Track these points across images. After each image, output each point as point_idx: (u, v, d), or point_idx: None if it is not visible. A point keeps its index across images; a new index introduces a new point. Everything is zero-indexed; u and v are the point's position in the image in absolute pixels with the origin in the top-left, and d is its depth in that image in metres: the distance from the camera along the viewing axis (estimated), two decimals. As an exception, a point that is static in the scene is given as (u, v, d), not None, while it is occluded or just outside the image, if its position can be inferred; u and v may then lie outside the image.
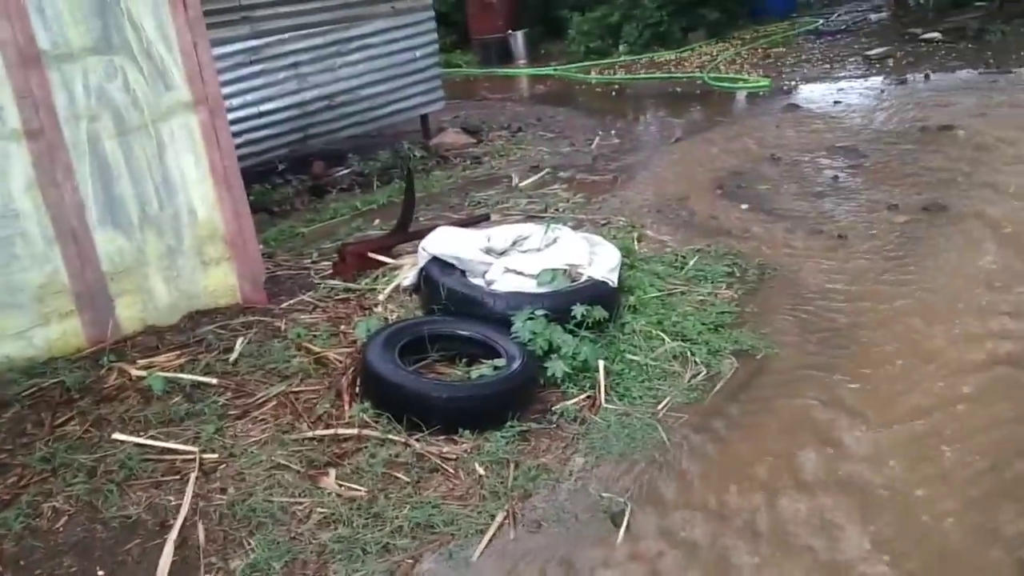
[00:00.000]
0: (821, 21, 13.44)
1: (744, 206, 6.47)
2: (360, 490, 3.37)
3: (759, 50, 12.25)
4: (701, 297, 4.99)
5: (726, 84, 10.60)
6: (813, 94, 9.60)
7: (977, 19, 11.32)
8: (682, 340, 4.46)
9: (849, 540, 3.00)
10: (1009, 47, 9.98)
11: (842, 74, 10.32)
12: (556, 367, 3.96)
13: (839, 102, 9.00)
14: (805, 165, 7.26)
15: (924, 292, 4.81)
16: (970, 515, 3.06)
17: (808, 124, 8.37)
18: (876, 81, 9.74)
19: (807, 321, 4.66)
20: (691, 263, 5.42)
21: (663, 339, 4.46)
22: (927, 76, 9.49)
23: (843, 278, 5.13)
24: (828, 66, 10.83)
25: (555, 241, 5.00)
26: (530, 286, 4.51)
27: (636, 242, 5.82)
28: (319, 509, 3.26)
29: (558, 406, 3.87)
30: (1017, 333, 4.26)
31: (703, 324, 4.61)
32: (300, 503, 3.29)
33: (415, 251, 5.05)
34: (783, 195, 6.64)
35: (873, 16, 13.01)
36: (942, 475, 3.30)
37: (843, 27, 12.88)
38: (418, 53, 8.93)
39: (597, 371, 4.04)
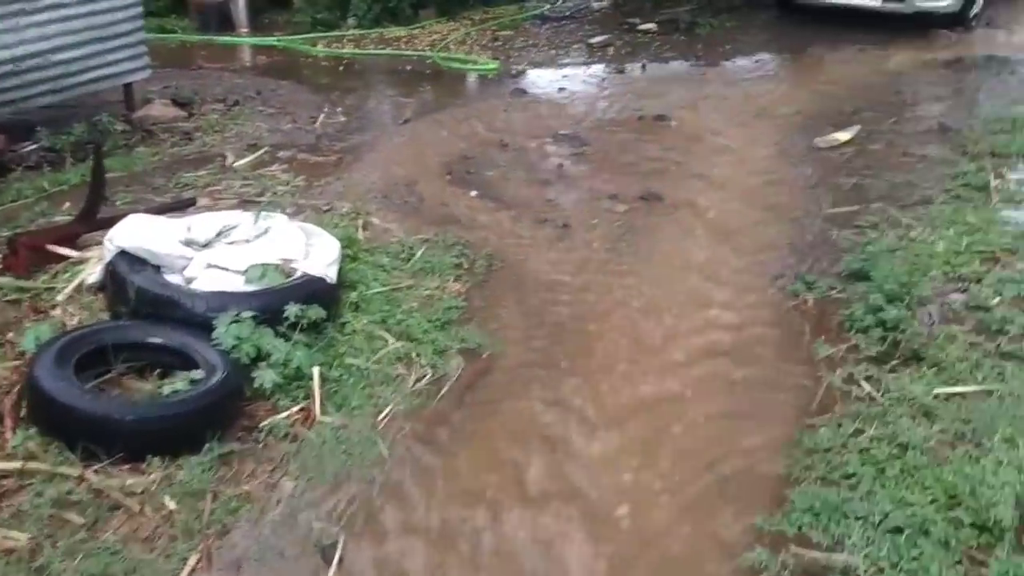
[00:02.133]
0: (547, 6, 13.60)
1: (473, 192, 6.32)
2: (20, 538, 2.81)
3: (488, 32, 12.22)
4: (428, 291, 4.75)
5: (456, 65, 10.45)
6: (539, 79, 9.66)
7: (689, 12, 11.93)
8: (407, 340, 4.21)
9: (573, 555, 2.88)
10: (717, 40, 10.60)
11: (566, 61, 10.47)
12: (265, 377, 3.55)
13: (564, 89, 9.11)
14: (532, 152, 7.23)
15: (644, 283, 4.88)
16: (690, 520, 3.05)
17: (535, 110, 8.39)
18: (598, 69, 9.97)
19: (533, 315, 4.57)
20: (419, 254, 5.17)
21: (387, 340, 4.19)
22: (644, 66, 9.83)
23: (568, 269, 5.10)
24: (554, 52, 10.95)
25: (266, 232, 4.53)
26: (237, 284, 4.05)
27: (360, 231, 5.48)
28: (-38, 569, 2.67)
29: (266, 422, 3.48)
30: (729, 324, 4.41)
31: (430, 321, 4.38)
32: (-63, 563, 2.69)
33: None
34: (511, 182, 6.56)
35: (595, 4, 13.38)
36: (662, 477, 3.29)
37: (568, 13, 13.12)
38: (120, 15, 7.98)
39: (312, 379, 3.68)
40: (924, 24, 9.93)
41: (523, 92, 9.07)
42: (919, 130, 6.95)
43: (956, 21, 9.93)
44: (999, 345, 3.90)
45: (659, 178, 6.48)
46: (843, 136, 6.90)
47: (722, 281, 4.86)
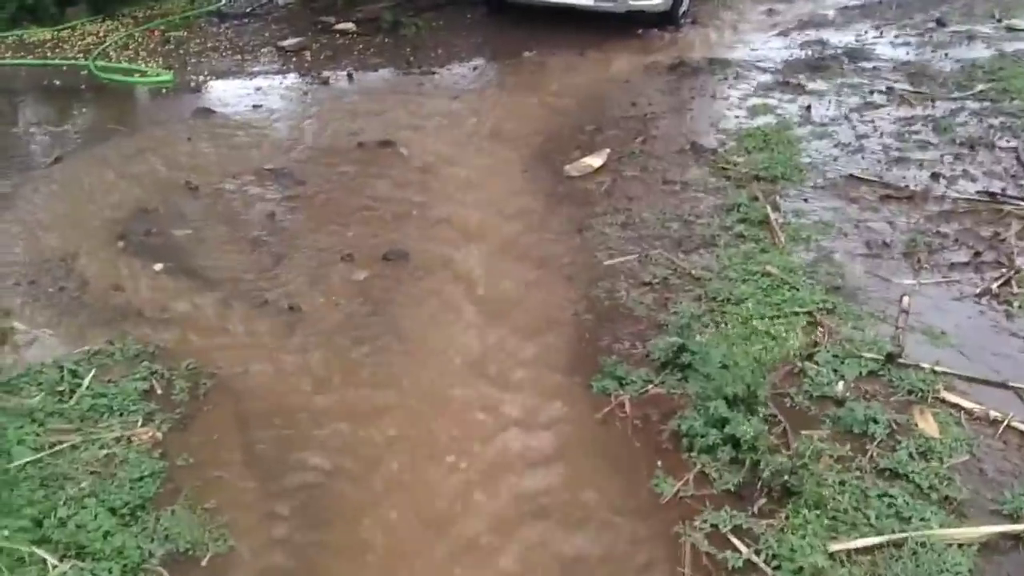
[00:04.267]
0: (223, 1, 11.84)
1: (158, 266, 4.79)
2: None
3: (156, 32, 10.27)
4: (107, 450, 3.27)
5: (119, 77, 8.52)
6: (227, 94, 8.06)
7: (389, 9, 10.73)
8: (78, 555, 2.74)
9: None
10: (426, 43, 9.51)
11: (257, 68, 8.88)
12: None
13: (260, 106, 7.59)
14: (232, 196, 5.75)
15: (414, 398, 3.71)
16: None
17: (228, 136, 6.84)
18: (297, 80, 8.50)
19: (269, 473, 3.25)
20: (86, 381, 3.66)
21: (45, 561, 2.69)
22: (350, 76, 8.53)
23: (307, 381, 3.82)
24: (239, 57, 9.29)
25: None
26: None
27: (-4, 346, 3.84)
28: None
29: None
30: (538, 456, 3.35)
31: (112, 511, 2.93)
32: None
33: None
34: (209, 244, 5.08)
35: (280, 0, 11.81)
36: None
37: (249, 10, 11.40)
38: None
39: None
40: (636, 23, 9.52)
41: (209, 112, 7.47)
42: (671, 150, 6.30)
43: (666, 20, 9.62)
44: (872, 458, 3.17)
45: (399, 227, 5.31)
46: (595, 162, 6.10)
47: (511, 384, 3.79)
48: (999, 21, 9.44)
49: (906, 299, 4.18)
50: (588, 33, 9.36)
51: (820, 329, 3.95)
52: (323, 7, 11.15)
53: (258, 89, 8.11)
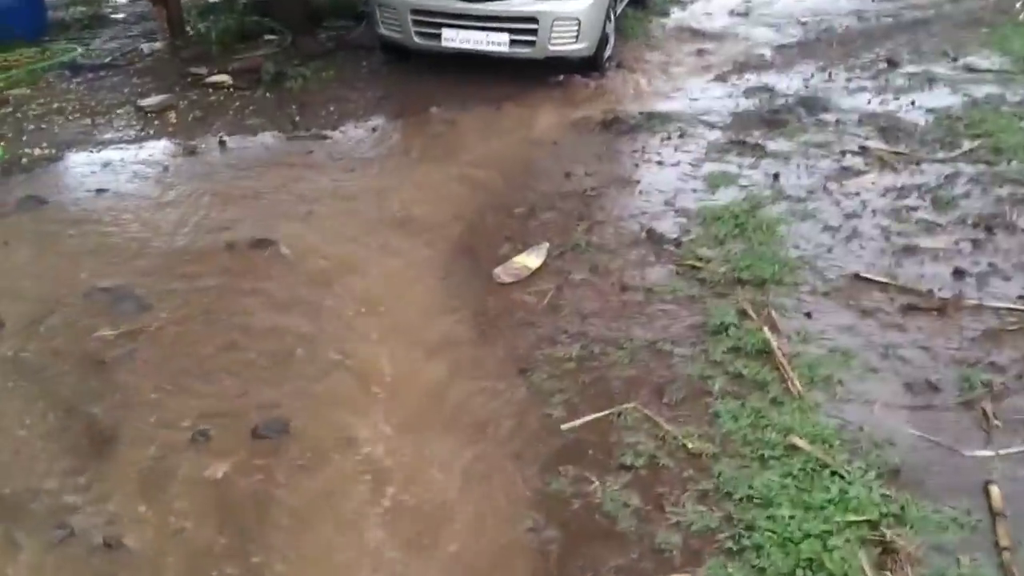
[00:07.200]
0: (79, 50, 10.15)
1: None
2: None
3: (-8, 91, 8.62)
4: None
5: (-70, 152, 6.88)
6: (67, 174, 6.47)
7: (271, 58, 9.25)
8: None
9: None
10: (315, 98, 8.09)
11: (108, 136, 7.28)
12: None
13: (105, 190, 6.04)
14: (48, 336, 4.25)
15: None
16: None
17: (57, 238, 5.29)
18: (157, 149, 6.97)
19: None
20: None
21: None
22: (223, 143, 7.05)
23: None
24: (90, 122, 7.67)
25: None
26: None
27: None
28: None
29: None
30: None
31: None
32: None
33: None
34: (1, 423, 3.58)
35: (146, 47, 10.12)
36: None
37: (108, 60, 9.78)
38: None
39: None
40: (556, 69, 8.31)
41: (40, 202, 5.90)
42: (624, 242, 5.05)
43: (590, 65, 8.46)
44: None
45: (278, 378, 3.90)
46: (532, 262, 4.81)
47: None
48: (955, 60, 8.55)
49: (995, 491, 2.98)
50: (503, 83, 8.11)
51: (895, 557, 2.70)
52: (194, 56, 9.60)
53: (106, 165, 6.57)
